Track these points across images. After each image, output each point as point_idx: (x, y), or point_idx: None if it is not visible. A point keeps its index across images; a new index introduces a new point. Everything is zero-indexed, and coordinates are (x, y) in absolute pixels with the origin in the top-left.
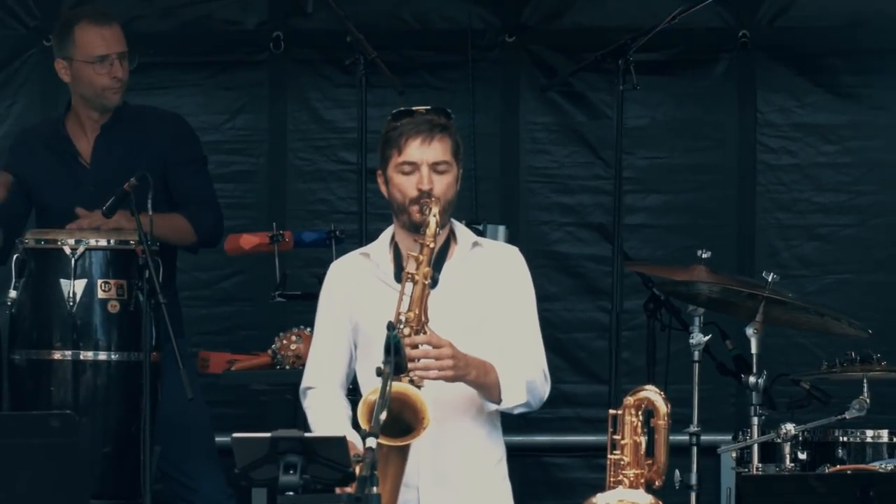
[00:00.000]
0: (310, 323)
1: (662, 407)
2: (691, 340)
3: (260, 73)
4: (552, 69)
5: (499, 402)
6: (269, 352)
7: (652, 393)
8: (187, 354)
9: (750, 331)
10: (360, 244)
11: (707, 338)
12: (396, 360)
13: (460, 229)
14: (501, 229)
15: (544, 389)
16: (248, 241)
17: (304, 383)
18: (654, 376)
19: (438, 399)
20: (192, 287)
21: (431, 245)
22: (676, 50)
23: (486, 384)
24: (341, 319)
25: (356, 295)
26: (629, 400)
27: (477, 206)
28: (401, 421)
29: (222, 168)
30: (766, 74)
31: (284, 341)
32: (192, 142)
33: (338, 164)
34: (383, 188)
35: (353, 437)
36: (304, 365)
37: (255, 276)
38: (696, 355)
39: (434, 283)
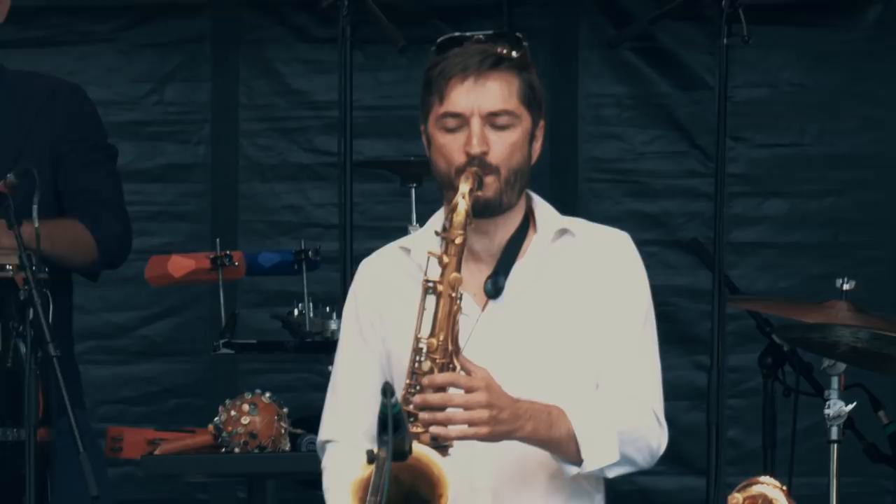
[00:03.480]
0: (270, 386)
1: None
2: (827, 411)
3: (200, 21)
4: (625, 14)
5: (579, 462)
6: (211, 428)
7: (770, 488)
8: (90, 432)
9: None
10: (343, 269)
11: (851, 407)
12: (396, 440)
13: (542, 210)
14: None
15: (657, 439)
16: (180, 265)
17: (322, 435)
18: (774, 464)
19: (498, 462)
20: (100, 334)
21: (459, 241)
22: None
23: (552, 440)
24: (371, 345)
25: (391, 309)
26: (737, 498)
27: None
28: (415, 500)
29: (144, 161)
30: None
31: (233, 412)
32: (92, 123)
33: (313, 155)
34: (427, 151)
35: None
36: (260, 447)
37: (190, 318)
38: (835, 433)
39: (496, 291)
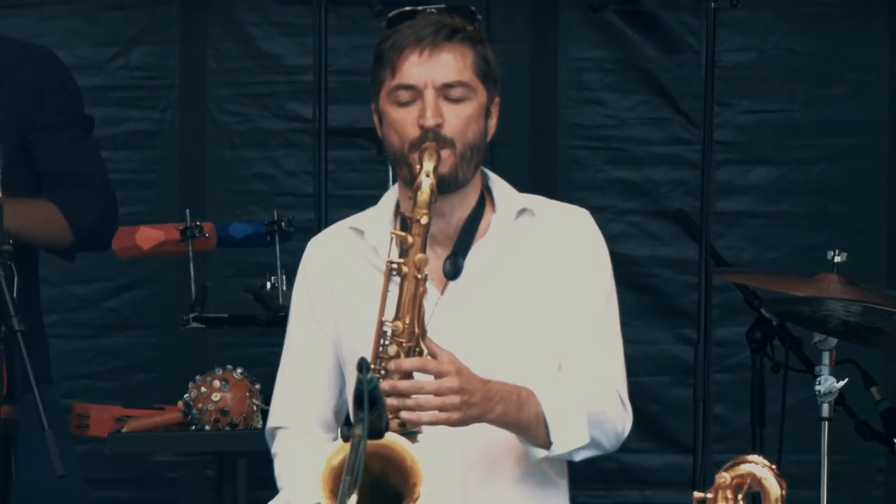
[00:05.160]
0: (242, 361)
1: (774, 488)
2: (818, 387)
3: None
4: None
5: (548, 445)
6: (181, 405)
7: (759, 467)
8: (56, 409)
9: None
10: None
11: (842, 383)
12: (372, 417)
13: (500, 189)
14: None
15: (622, 421)
16: (148, 237)
17: (272, 422)
18: (763, 442)
19: (463, 449)
20: (64, 307)
21: (424, 220)
22: None
23: (521, 422)
24: (324, 327)
25: (343, 291)
26: (724, 477)
27: None
28: (385, 488)
29: (109, 128)
30: None
31: (203, 389)
32: (67, 93)
33: (285, 122)
34: (379, 129)
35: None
36: (231, 425)
37: (158, 291)
38: (826, 410)
39: (455, 271)
